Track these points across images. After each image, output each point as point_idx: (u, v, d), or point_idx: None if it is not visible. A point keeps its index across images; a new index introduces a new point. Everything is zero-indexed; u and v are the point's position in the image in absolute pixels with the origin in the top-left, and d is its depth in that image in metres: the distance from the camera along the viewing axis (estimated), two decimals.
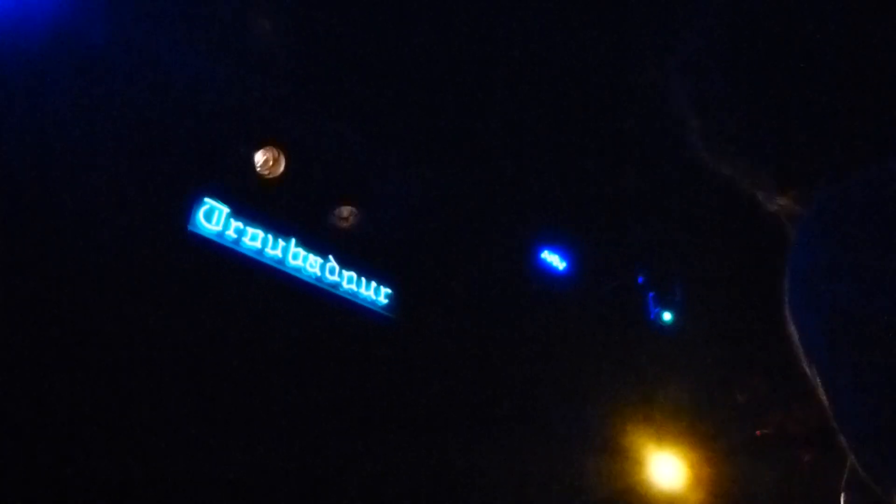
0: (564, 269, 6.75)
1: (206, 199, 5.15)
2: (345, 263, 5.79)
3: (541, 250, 6.68)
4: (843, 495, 0.74)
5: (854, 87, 0.74)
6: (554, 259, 6.72)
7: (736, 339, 5.94)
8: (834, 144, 0.75)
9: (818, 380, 0.64)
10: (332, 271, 5.71)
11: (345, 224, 5.77)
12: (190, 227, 5.04)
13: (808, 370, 0.66)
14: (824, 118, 0.76)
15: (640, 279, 7.18)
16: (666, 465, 6.65)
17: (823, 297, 0.62)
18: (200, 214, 5.10)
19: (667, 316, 6.95)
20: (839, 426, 0.62)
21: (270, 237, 5.42)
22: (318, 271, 5.63)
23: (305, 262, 5.57)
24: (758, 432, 6.15)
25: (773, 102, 0.80)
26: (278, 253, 5.43)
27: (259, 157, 5.24)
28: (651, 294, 7.09)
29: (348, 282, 5.77)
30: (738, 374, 6.33)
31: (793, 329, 0.67)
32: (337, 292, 5.71)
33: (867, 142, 0.72)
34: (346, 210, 5.77)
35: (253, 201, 5.34)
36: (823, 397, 0.63)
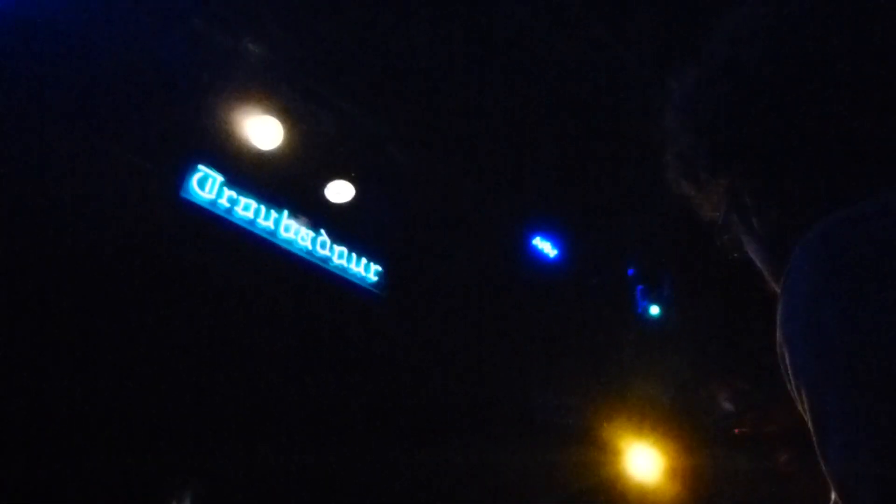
0: (555, 256, 6.75)
1: (200, 167, 5.12)
2: (336, 238, 5.78)
3: (533, 236, 6.68)
4: None
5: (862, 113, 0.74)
6: (545, 246, 6.72)
7: (720, 337, 5.98)
8: (839, 169, 0.74)
9: (806, 407, 0.63)
10: (323, 245, 5.70)
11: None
12: (183, 195, 5.02)
13: (794, 394, 0.66)
14: (830, 141, 0.75)
15: (630, 271, 7.20)
16: (643, 458, 6.71)
17: (825, 328, 0.61)
18: (194, 182, 5.07)
19: (654, 310, 6.98)
20: (822, 457, 0.62)
21: (263, 208, 5.40)
22: (309, 245, 5.62)
23: (297, 234, 5.56)
24: (736, 430, 6.20)
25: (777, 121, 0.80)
26: (270, 224, 5.41)
27: (255, 128, 5.20)
28: (640, 287, 7.11)
29: (339, 257, 5.77)
30: (720, 371, 6.37)
31: (784, 351, 0.67)
32: (327, 267, 5.70)
33: (875, 169, 0.71)
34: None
35: (247, 171, 5.31)
36: (810, 425, 0.63)
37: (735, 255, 0.97)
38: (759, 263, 0.90)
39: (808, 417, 0.63)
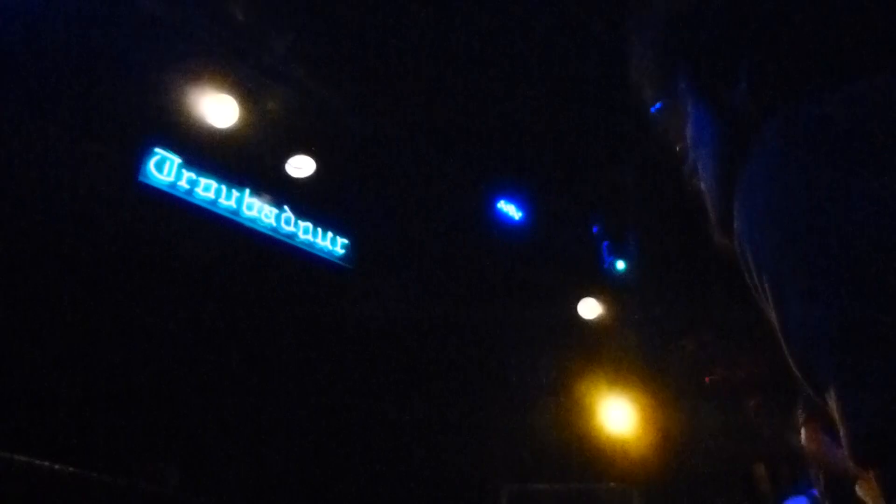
0: (520, 218, 6.78)
1: (157, 149, 5.03)
2: (301, 214, 5.74)
3: (497, 200, 6.70)
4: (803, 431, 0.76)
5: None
6: (510, 209, 6.75)
7: (686, 290, 6.09)
8: (805, 60, 0.73)
9: (766, 287, 0.64)
10: (287, 221, 5.65)
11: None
12: (140, 178, 4.93)
13: (752, 283, 0.67)
14: (801, 28, 0.74)
15: (595, 228, 7.27)
16: (616, 410, 6.84)
17: (796, 215, 0.62)
18: (151, 165, 4.98)
19: (620, 265, 7.07)
20: (783, 331, 0.63)
21: (224, 187, 5.33)
22: (273, 222, 5.57)
23: (260, 212, 5.50)
24: (706, 378, 6.34)
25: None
26: (232, 203, 5.35)
27: (210, 106, 5.11)
28: (605, 243, 7.19)
29: (304, 232, 5.73)
30: (688, 323, 6.50)
31: (742, 237, 0.67)
32: (293, 243, 5.66)
33: (838, 60, 0.70)
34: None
35: (206, 151, 5.23)
36: (771, 306, 0.64)
37: (672, 142, 0.96)
38: (709, 153, 0.89)
39: (767, 297, 0.65)
